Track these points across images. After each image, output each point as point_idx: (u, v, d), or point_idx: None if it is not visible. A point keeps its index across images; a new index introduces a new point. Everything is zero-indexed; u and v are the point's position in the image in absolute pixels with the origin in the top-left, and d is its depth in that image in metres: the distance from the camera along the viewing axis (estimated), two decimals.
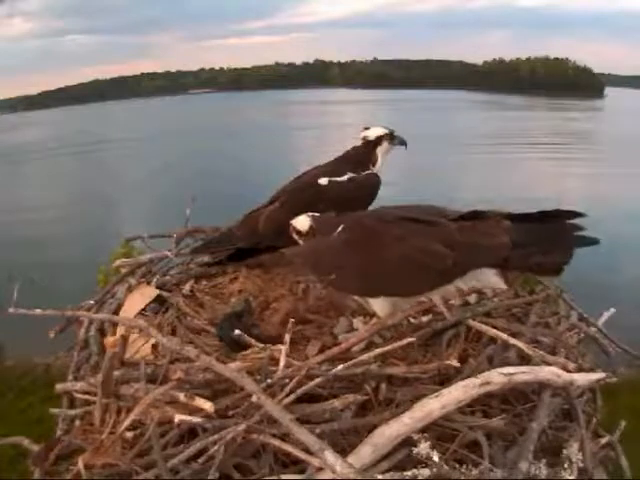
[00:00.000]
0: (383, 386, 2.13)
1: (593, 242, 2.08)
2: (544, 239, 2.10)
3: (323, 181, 2.99)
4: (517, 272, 2.26)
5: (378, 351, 2.16)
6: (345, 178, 2.99)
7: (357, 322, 2.62)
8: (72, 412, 2.44)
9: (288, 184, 3.18)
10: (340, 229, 2.40)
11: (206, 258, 3.52)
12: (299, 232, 2.63)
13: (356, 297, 2.54)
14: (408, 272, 2.22)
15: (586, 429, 2.27)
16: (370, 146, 3.10)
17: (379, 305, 2.37)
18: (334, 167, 3.09)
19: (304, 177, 3.16)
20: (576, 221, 2.09)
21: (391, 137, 3.11)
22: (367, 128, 3.13)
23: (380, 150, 3.10)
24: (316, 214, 2.65)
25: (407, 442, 1.92)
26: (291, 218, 2.92)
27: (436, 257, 2.14)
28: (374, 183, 3.04)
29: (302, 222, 2.62)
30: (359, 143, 3.14)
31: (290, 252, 2.60)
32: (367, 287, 2.35)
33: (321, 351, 2.42)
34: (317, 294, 2.94)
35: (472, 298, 2.71)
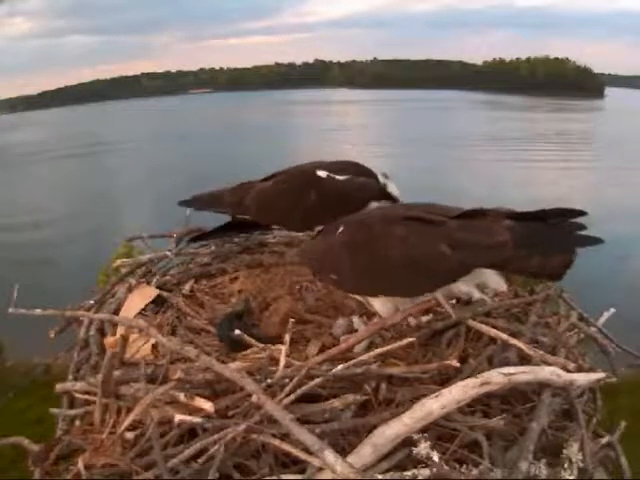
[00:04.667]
0: (383, 386, 2.13)
1: (596, 242, 2.00)
2: (546, 239, 2.05)
3: (322, 173, 3.00)
4: (517, 275, 2.24)
5: (378, 351, 2.16)
6: (344, 177, 3.00)
7: (357, 322, 2.61)
8: (72, 412, 2.44)
9: (289, 168, 3.19)
10: (341, 229, 2.41)
11: (205, 257, 3.54)
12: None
13: (357, 296, 2.54)
14: (411, 272, 2.22)
15: (586, 429, 2.26)
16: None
17: (380, 304, 2.37)
18: (339, 166, 3.09)
19: (306, 165, 3.17)
20: (579, 220, 2.04)
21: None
22: (387, 176, 3.10)
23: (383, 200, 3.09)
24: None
25: (407, 442, 1.92)
26: (279, 199, 2.98)
27: (439, 258, 2.13)
28: (371, 189, 3.03)
29: None
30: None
31: (296, 251, 2.61)
32: (369, 287, 2.35)
33: (321, 351, 2.42)
34: (317, 294, 2.95)
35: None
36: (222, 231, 3.45)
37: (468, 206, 2.29)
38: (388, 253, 2.23)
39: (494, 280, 2.23)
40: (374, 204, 3.05)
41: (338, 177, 2.99)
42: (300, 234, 3.56)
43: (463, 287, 2.24)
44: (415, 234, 2.20)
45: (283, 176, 3.12)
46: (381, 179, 3.05)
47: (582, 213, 2.03)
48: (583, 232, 2.02)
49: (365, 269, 2.30)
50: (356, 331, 2.53)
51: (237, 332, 2.41)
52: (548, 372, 2.16)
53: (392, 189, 3.05)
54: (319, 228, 2.85)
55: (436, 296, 2.29)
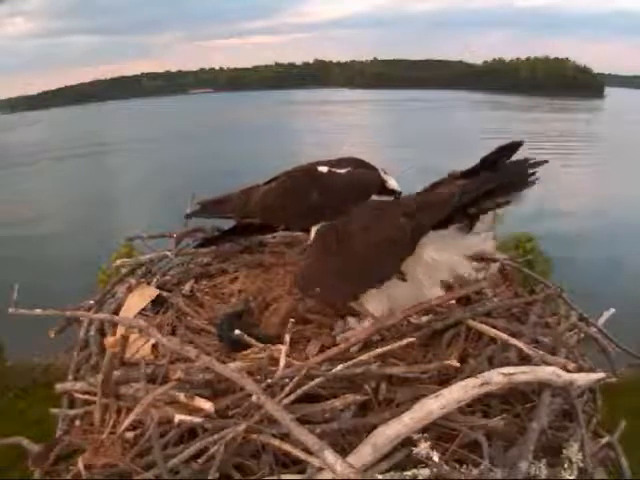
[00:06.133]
0: (383, 386, 2.13)
1: (541, 163, 2.12)
2: (496, 180, 2.15)
3: (322, 169, 3.04)
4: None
5: (378, 351, 2.16)
6: (344, 171, 3.04)
7: (355, 322, 2.61)
8: (72, 412, 2.43)
9: (291, 169, 3.23)
10: (312, 240, 2.47)
11: (205, 257, 3.54)
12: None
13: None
14: (373, 250, 2.28)
15: (586, 429, 2.26)
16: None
17: (373, 305, 2.37)
18: (339, 162, 3.12)
19: (307, 164, 3.20)
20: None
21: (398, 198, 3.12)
22: (386, 172, 3.14)
23: (384, 195, 3.12)
24: None
25: (407, 442, 1.92)
26: (284, 198, 3.02)
27: (390, 223, 2.24)
28: (372, 180, 3.05)
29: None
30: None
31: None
32: (348, 284, 2.37)
33: (321, 351, 2.42)
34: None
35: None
36: (229, 236, 3.47)
37: None
38: (350, 241, 2.32)
39: (476, 241, 2.29)
40: (375, 198, 3.07)
41: (339, 171, 3.02)
42: (302, 234, 3.58)
43: (444, 259, 2.28)
44: (370, 215, 2.35)
45: (285, 176, 3.15)
46: (381, 174, 3.08)
47: (519, 144, 2.13)
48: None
49: (338, 267, 2.35)
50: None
51: (237, 332, 2.41)
52: (548, 372, 2.16)
53: (392, 184, 3.08)
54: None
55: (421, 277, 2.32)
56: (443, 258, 2.27)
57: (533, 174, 2.14)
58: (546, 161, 2.12)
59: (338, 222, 2.55)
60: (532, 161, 2.12)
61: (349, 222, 2.41)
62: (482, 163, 2.19)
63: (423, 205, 2.24)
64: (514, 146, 2.12)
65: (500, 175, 2.14)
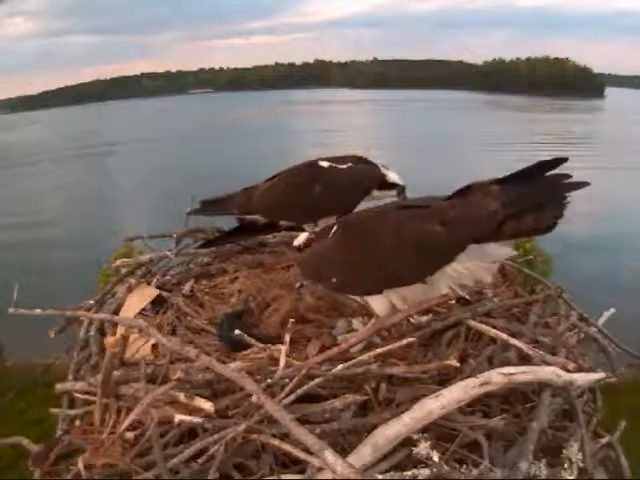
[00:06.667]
0: (383, 386, 2.13)
1: (582, 185, 2.00)
2: (534, 196, 2.05)
3: (323, 164, 3.06)
4: (512, 238, 2.18)
5: (378, 351, 2.16)
6: (346, 166, 3.05)
7: (356, 323, 2.61)
8: (72, 412, 2.44)
9: (292, 166, 3.25)
10: (334, 230, 2.43)
11: (205, 257, 3.54)
12: (298, 248, 2.67)
13: (357, 298, 2.54)
14: (408, 257, 2.22)
15: (586, 429, 2.26)
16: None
17: (378, 304, 2.37)
18: (340, 158, 3.14)
19: (308, 161, 3.22)
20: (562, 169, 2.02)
21: (400, 191, 3.12)
22: (386, 167, 3.14)
23: (385, 189, 3.12)
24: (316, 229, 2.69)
25: (407, 442, 1.92)
26: (286, 193, 3.05)
27: (433, 237, 2.14)
28: (372, 175, 3.07)
29: (300, 238, 2.67)
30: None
31: (295, 261, 2.64)
32: (371, 282, 2.34)
33: (321, 351, 2.42)
34: (317, 294, 2.95)
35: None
36: (232, 236, 3.48)
37: None
38: (383, 242, 2.26)
39: (499, 250, 2.20)
40: (376, 192, 3.08)
41: (340, 166, 3.04)
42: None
43: (462, 270, 2.21)
44: (408, 219, 2.24)
45: (287, 173, 3.18)
46: (382, 170, 3.08)
47: (563, 160, 2.02)
48: (569, 180, 2.01)
49: (364, 263, 2.31)
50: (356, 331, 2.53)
51: (237, 332, 2.41)
52: (548, 372, 2.16)
53: (394, 178, 3.09)
54: (316, 228, 2.88)
55: (440, 287, 2.27)
56: (467, 268, 2.22)
57: (568, 192, 2.01)
58: (588, 183, 1.98)
59: (363, 215, 2.52)
60: (574, 181, 1.99)
61: (382, 220, 2.35)
62: (517, 174, 2.08)
63: (462, 217, 2.12)
64: (558, 161, 1.99)
65: (537, 187, 2.03)
